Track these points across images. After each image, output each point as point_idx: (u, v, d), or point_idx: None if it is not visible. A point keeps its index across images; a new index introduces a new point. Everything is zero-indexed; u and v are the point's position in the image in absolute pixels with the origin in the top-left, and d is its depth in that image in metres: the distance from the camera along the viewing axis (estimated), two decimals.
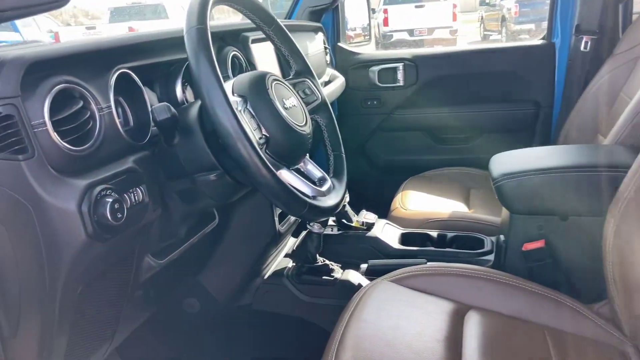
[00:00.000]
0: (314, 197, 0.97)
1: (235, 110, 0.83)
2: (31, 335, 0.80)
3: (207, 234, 1.14)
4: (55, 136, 0.76)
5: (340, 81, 2.16)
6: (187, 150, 0.94)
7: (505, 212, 1.35)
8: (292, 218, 1.56)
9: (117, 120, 0.88)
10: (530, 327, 1.06)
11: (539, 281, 1.16)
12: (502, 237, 1.38)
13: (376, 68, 2.33)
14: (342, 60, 2.41)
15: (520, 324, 1.07)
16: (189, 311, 1.48)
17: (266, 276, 1.51)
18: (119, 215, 0.79)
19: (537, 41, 2.27)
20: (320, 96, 1.17)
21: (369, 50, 2.66)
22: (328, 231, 1.57)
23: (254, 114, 0.92)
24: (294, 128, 0.95)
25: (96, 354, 1.01)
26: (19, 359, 0.81)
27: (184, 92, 1.10)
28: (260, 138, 0.92)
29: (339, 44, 2.43)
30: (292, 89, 1.04)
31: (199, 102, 0.97)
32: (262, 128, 0.92)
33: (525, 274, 1.20)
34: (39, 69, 0.76)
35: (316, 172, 1.07)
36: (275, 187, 0.85)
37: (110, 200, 0.78)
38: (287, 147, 0.96)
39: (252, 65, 1.35)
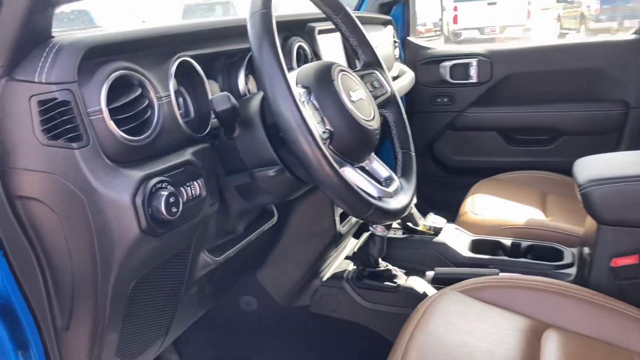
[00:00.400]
0: (379, 198, 0.89)
1: (298, 101, 0.77)
2: (83, 329, 0.79)
3: (265, 232, 1.10)
4: (111, 124, 0.73)
5: (409, 76, 2.09)
6: (247, 144, 0.90)
7: (591, 222, 1.23)
8: (354, 218, 1.50)
9: (177, 111, 0.85)
10: (618, 352, 0.96)
11: (630, 301, 1.05)
12: (586, 249, 1.26)
13: (448, 63, 2.25)
14: (411, 55, 2.34)
15: (606, 348, 0.97)
16: (246, 309, 1.47)
17: (325, 278, 1.46)
18: (174, 210, 0.76)
19: (627, 36, 2.11)
20: (389, 90, 1.10)
21: (438, 46, 2.57)
22: (392, 234, 1.50)
23: (318, 106, 0.87)
24: (361, 123, 0.89)
25: (149, 350, 0.99)
26: (71, 352, 0.81)
27: (246, 83, 1.07)
28: (323, 132, 0.86)
29: (408, 38, 2.36)
30: (360, 81, 0.98)
31: (261, 94, 0.93)
32: (326, 122, 0.86)
33: (614, 293, 1.09)
34: (97, 54, 0.74)
35: (383, 170, 1.00)
36: (338, 186, 0.79)
37: (166, 193, 0.74)
38: (353, 143, 0.89)
39: (317, 57, 1.31)
